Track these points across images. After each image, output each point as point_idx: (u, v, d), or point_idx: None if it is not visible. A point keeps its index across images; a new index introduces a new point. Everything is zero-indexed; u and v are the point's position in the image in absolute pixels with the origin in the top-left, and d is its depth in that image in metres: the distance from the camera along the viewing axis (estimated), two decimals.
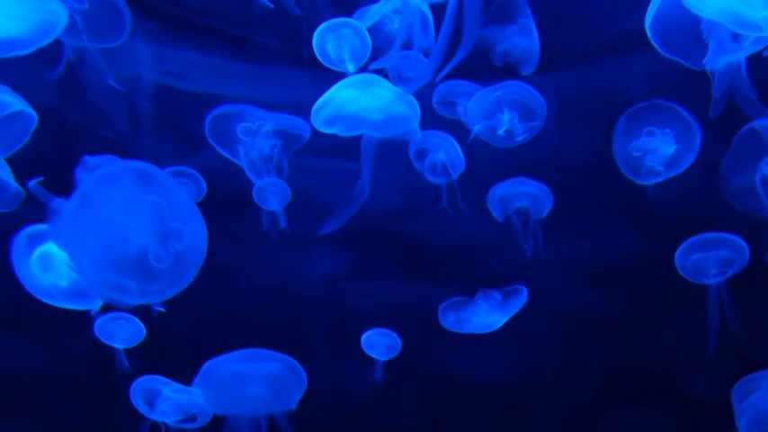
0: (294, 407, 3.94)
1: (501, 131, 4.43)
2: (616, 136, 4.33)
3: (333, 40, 3.91)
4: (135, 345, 4.73)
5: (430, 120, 4.73)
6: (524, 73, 4.72)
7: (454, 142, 4.78)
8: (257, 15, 4.64)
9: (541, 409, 5.47)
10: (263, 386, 3.95)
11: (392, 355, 5.15)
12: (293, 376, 3.97)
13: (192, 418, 4.63)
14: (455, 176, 4.84)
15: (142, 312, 4.32)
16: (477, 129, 4.46)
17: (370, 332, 5.13)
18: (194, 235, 2.92)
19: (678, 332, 5.01)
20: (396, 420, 5.55)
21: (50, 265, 3.57)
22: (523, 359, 5.45)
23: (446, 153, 4.81)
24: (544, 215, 5.02)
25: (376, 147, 3.80)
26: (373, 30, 4.38)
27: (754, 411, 3.88)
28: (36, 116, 2.81)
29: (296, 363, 3.95)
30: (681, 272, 4.05)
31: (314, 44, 3.88)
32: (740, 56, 2.81)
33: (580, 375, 5.37)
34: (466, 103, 4.76)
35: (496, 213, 5.10)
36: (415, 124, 3.68)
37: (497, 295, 5.07)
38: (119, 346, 4.75)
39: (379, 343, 5.12)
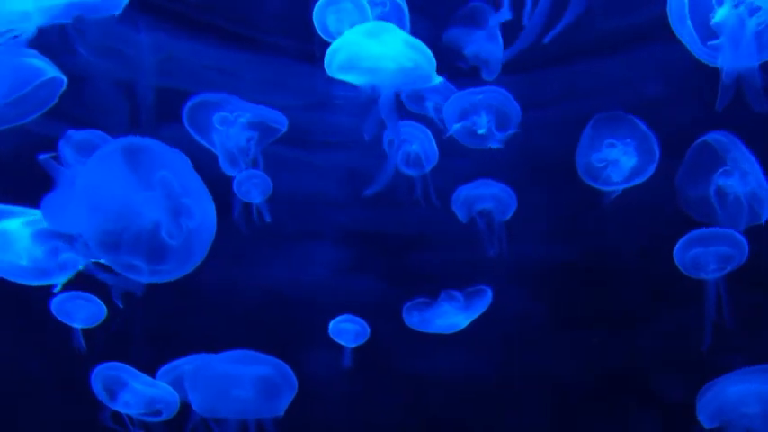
0: (282, 413, 3.83)
1: (480, 132, 4.49)
2: (580, 147, 4.43)
3: (333, 13, 3.88)
4: (94, 325, 4.58)
5: (400, 114, 4.78)
6: (486, 78, 4.81)
7: (429, 135, 4.81)
8: (266, 13, 4.62)
9: (522, 409, 5.50)
10: (252, 390, 3.82)
11: (360, 342, 5.12)
12: (283, 381, 3.84)
13: (157, 413, 4.52)
14: (428, 169, 4.86)
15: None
16: (455, 128, 4.51)
17: (337, 319, 5.09)
18: (204, 213, 2.89)
19: (658, 332, 5.09)
20: (369, 417, 5.51)
21: (8, 245, 3.48)
22: (499, 359, 5.48)
23: (421, 145, 4.83)
24: (507, 217, 5.09)
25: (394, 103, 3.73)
26: None
27: (714, 405, 3.98)
28: (65, 79, 2.75)
29: (286, 367, 3.82)
30: (679, 266, 4.12)
31: (314, 18, 3.84)
32: (754, 62, 2.88)
33: (558, 376, 5.40)
34: (435, 99, 4.82)
35: (461, 214, 5.14)
36: (432, 74, 3.59)
37: (460, 296, 5.10)
38: (77, 325, 4.60)
39: (347, 330, 5.09)
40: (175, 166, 2.88)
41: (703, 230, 4.04)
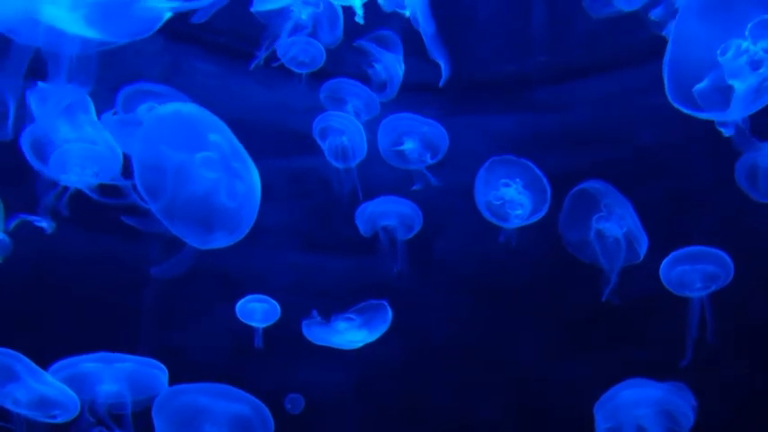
0: None
1: (425, 158, 4.64)
2: (477, 187, 4.63)
3: None
4: None
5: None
6: (380, 100, 4.94)
7: (361, 129, 4.77)
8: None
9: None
10: (226, 428, 3.46)
11: (270, 322, 4.82)
12: (259, 423, 3.50)
13: (51, 417, 4.02)
14: (354, 163, 4.82)
15: None
16: (404, 147, 4.59)
17: (245, 299, 4.77)
18: (251, 179, 2.70)
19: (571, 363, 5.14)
20: None
21: None
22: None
23: (350, 138, 4.78)
24: (411, 236, 5.12)
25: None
26: (278, 15, 4.37)
27: (609, 406, 4.17)
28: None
29: (264, 407, 3.50)
30: (664, 282, 4.28)
31: None
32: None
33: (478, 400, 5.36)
34: (355, 103, 4.84)
35: (363, 229, 5.11)
36: None
37: (353, 315, 5.01)
38: None
39: (256, 309, 4.78)
40: (224, 131, 2.69)
41: (690, 249, 4.22)
